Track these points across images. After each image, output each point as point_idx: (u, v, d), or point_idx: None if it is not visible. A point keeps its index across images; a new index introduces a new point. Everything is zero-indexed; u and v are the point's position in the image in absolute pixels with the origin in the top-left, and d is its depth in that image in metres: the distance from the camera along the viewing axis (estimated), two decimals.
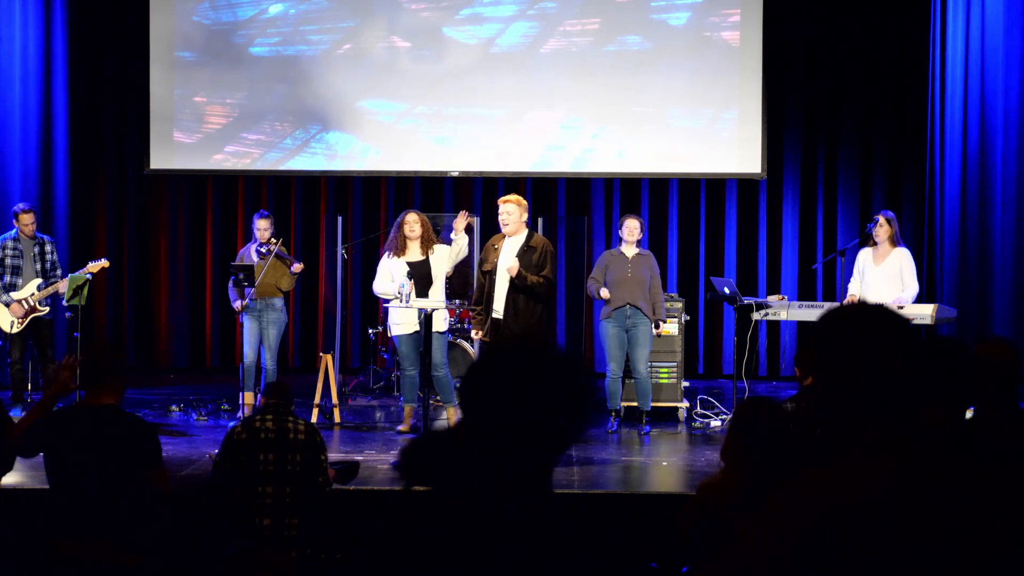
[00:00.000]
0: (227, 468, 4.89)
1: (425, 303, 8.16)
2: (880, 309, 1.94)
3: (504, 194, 11.56)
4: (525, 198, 11.63)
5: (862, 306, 1.97)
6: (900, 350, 1.87)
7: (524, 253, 8.07)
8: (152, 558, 4.37)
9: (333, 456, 7.49)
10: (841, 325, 1.91)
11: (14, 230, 9.28)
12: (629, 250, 8.58)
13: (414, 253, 8.44)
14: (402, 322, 8.32)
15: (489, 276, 8.13)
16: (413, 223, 8.44)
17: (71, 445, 4.32)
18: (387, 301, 8.61)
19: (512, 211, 8.16)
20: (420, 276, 8.34)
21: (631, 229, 8.57)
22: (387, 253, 8.52)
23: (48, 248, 9.34)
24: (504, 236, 8.20)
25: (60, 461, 4.36)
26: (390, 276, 8.40)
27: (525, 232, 8.20)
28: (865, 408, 1.87)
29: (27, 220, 9.21)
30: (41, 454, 4.43)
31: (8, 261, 9.17)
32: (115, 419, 4.38)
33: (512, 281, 8.00)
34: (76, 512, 4.30)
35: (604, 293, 8.49)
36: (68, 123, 11.18)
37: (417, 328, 8.27)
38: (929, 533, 1.77)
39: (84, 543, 4.27)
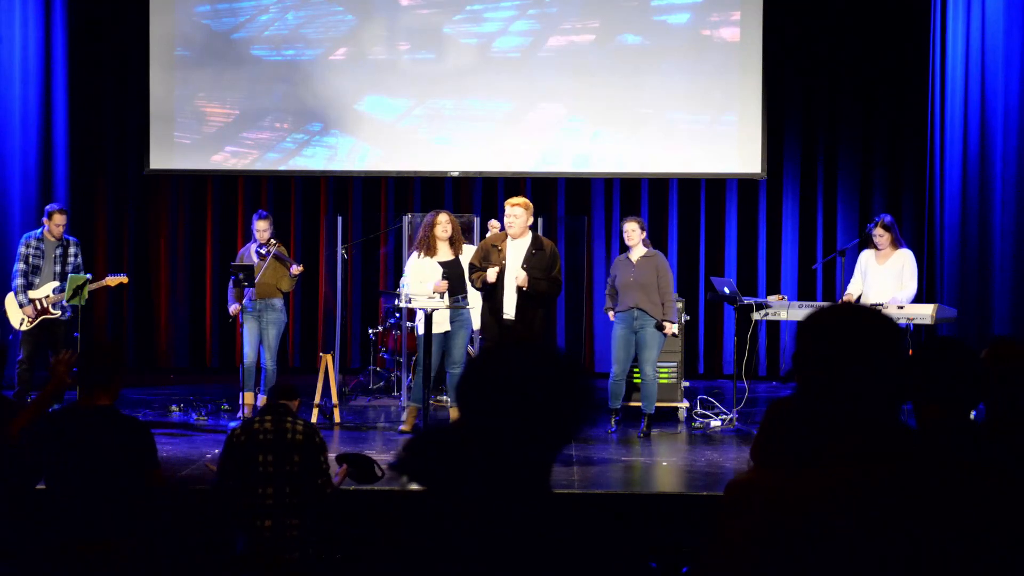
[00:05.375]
0: (230, 470, 4.90)
1: (426, 303, 8.15)
2: (866, 310, 1.95)
3: (504, 194, 11.62)
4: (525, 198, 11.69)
5: (848, 306, 1.98)
6: (884, 350, 1.88)
7: (533, 256, 8.06)
8: (151, 556, 4.38)
9: (334, 456, 7.49)
10: (826, 324, 1.92)
11: (40, 229, 9.29)
12: (635, 253, 8.56)
13: (444, 253, 8.46)
14: (435, 321, 8.33)
15: (499, 278, 8.06)
16: (446, 223, 8.47)
17: (68, 447, 4.33)
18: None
19: (520, 215, 8.14)
20: (454, 276, 8.34)
21: (627, 233, 8.58)
22: (416, 253, 8.54)
23: (72, 251, 9.32)
24: (505, 237, 8.18)
25: (57, 462, 4.37)
26: (421, 275, 8.39)
27: (530, 235, 8.19)
28: (848, 406, 1.87)
29: (59, 220, 9.21)
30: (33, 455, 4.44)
31: (31, 260, 9.18)
32: (111, 420, 4.39)
33: (519, 287, 7.99)
34: (75, 512, 4.31)
35: (609, 314, 8.63)
36: (68, 123, 11.18)
37: (447, 328, 8.29)
38: (917, 531, 1.77)
39: (83, 543, 4.29)
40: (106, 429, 4.35)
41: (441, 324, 8.30)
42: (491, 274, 8.01)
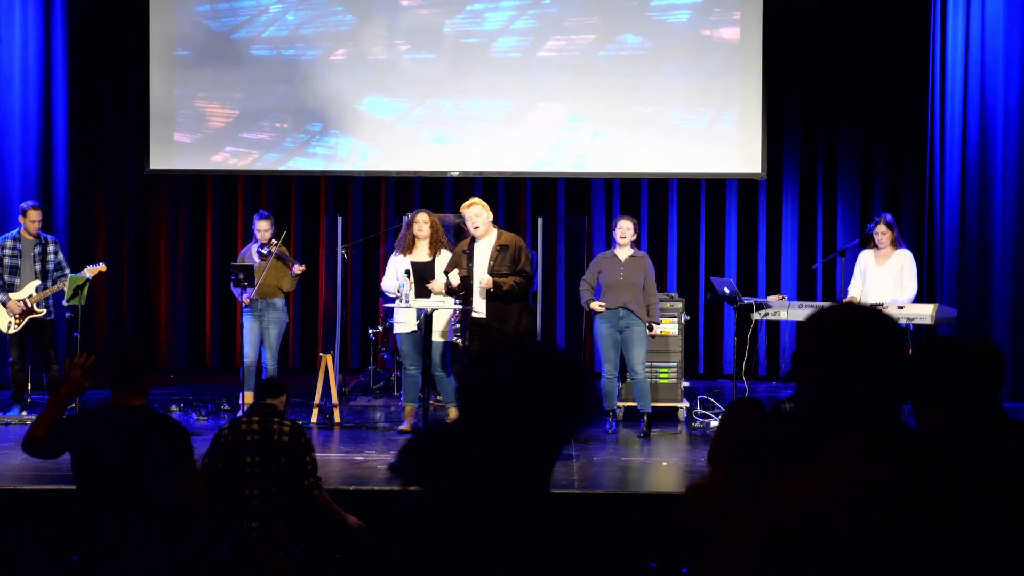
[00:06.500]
0: (216, 470, 4.87)
1: (425, 303, 8.16)
2: (866, 309, 1.95)
3: (505, 194, 11.65)
4: (525, 198, 11.71)
5: (848, 306, 1.99)
6: (884, 350, 1.88)
7: (498, 252, 8.09)
8: (182, 555, 4.36)
9: (335, 456, 7.50)
10: (826, 324, 1.92)
11: (16, 229, 9.26)
12: (623, 252, 8.55)
13: (421, 253, 8.47)
14: (403, 320, 8.36)
15: (466, 280, 8.15)
16: (422, 223, 8.46)
17: (103, 447, 4.29)
18: (391, 300, 8.63)
19: (479, 213, 8.18)
20: (421, 277, 8.34)
21: (623, 231, 8.54)
22: (396, 251, 8.57)
23: (51, 248, 9.28)
24: (472, 239, 8.22)
25: (91, 463, 4.33)
26: (395, 274, 8.43)
27: (494, 232, 8.24)
28: (848, 406, 1.87)
29: (34, 217, 9.17)
30: (66, 456, 4.41)
31: (7, 261, 9.13)
32: (147, 420, 4.37)
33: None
34: (109, 513, 4.27)
35: (595, 306, 8.48)
36: (68, 123, 11.17)
37: (413, 328, 8.30)
38: (917, 531, 1.77)
39: (117, 544, 4.26)
40: (142, 429, 4.32)
41: (412, 323, 8.32)
42: (443, 285, 8.16)
